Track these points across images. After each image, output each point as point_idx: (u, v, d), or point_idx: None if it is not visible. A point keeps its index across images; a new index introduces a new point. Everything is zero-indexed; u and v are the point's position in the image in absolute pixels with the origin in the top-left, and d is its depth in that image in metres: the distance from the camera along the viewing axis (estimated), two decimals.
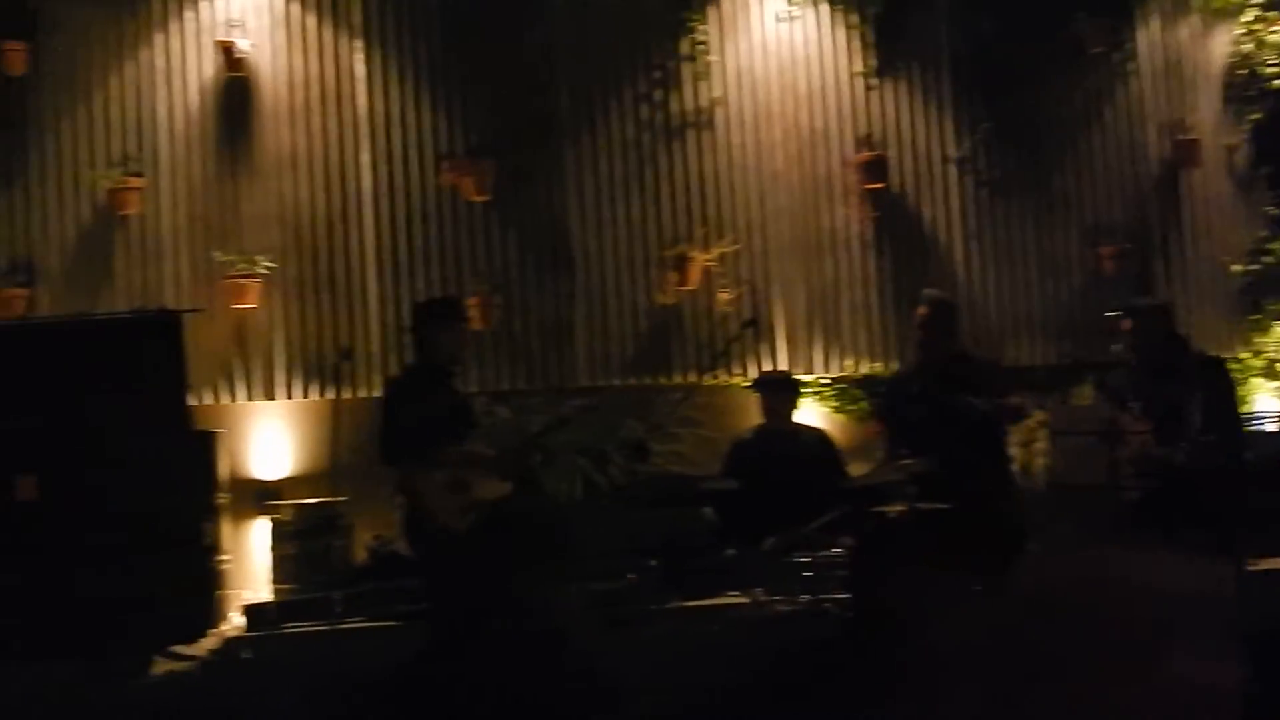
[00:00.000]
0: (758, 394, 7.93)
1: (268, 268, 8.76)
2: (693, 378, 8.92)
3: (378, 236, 9.02)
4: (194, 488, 7.27)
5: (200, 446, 7.70)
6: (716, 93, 9.39)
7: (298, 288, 8.89)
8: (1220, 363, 7.52)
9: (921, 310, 7.14)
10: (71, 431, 6.89)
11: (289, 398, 8.82)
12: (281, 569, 8.04)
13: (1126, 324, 7.15)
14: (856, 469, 7.73)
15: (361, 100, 9.09)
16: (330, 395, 8.46)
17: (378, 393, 8.77)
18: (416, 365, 6.74)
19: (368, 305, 8.96)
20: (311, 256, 8.94)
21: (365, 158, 9.05)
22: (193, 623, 6.91)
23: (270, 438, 8.79)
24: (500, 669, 5.07)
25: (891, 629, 5.34)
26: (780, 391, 7.85)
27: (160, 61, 8.93)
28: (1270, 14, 9.78)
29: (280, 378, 8.81)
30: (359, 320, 8.94)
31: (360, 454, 8.16)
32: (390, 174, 9.07)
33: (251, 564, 8.41)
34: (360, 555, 8.10)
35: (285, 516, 8.12)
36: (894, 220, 9.47)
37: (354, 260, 8.98)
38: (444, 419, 6.38)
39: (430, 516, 6.13)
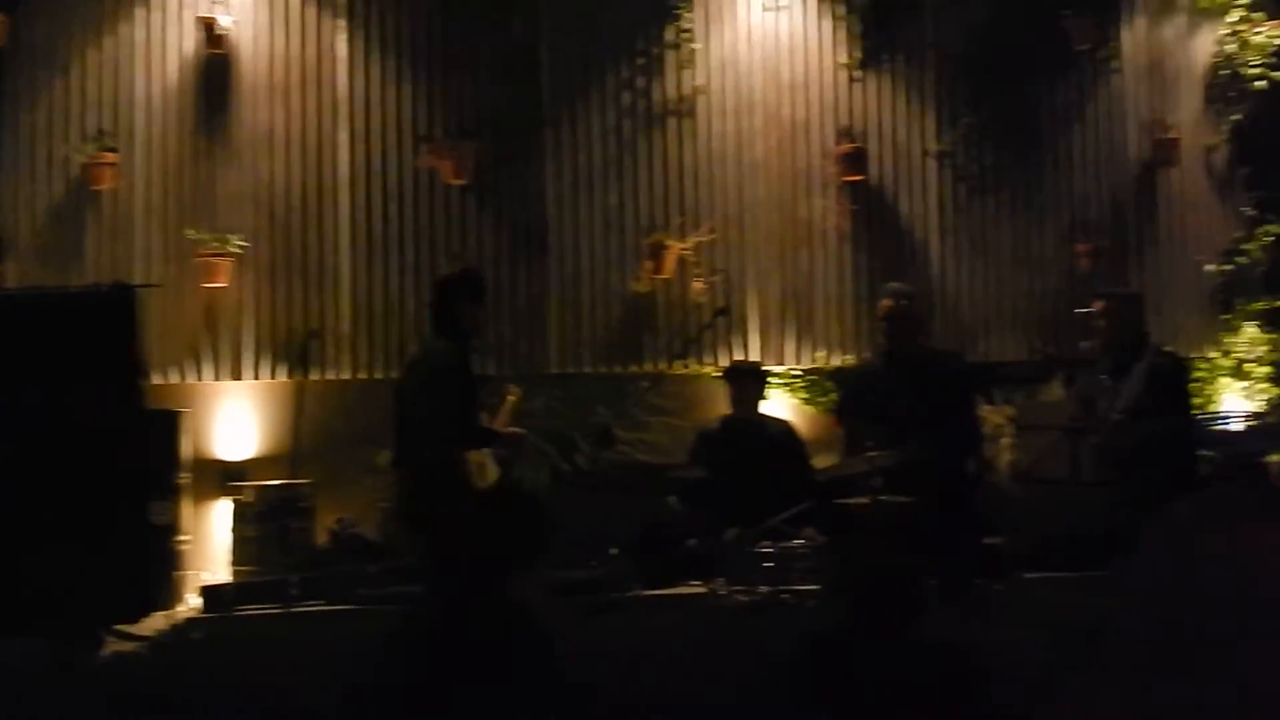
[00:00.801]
0: (726, 383, 7.88)
1: (240, 247, 8.73)
2: (663, 366, 8.87)
3: (353, 218, 8.98)
4: (146, 466, 7.17)
5: (157, 425, 7.63)
6: (699, 81, 9.33)
7: (269, 267, 8.85)
8: (1168, 354, 7.45)
9: (885, 303, 7.11)
10: (20, 407, 6.72)
11: (256, 378, 8.79)
12: (242, 550, 8.00)
13: (1098, 306, 7.16)
14: (824, 461, 7.69)
15: (342, 81, 9.06)
16: (298, 376, 8.41)
17: (345, 375, 8.80)
18: (450, 341, 6.29)
19: (339, 287, 8.91)
20: (285, 236, 8.90)
21: (344, 138, 9.02)
22: (139, 603, 6.80)
23: (237, 418, 8.74)
24: (490, 655, 5.04)
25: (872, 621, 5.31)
26: (748, 381, 7.79)
27: (140, 36, 8.90)
28: (1255, 15, 9.68)
29: (248, 358, 8.78)
30: (330, 302, 8.90)
31: (325, 436, 8.23)
32: (368, 155, 9.03)
33: (214, 545, 8.37)
34: (321, 538, 8.07)
35: (247, 498, 8.07)
36: (872, 213, 9.40)
37: (328, 241, 8.95)
38: (473, 396, 6.33)
39: (445, 497, 5.99)
